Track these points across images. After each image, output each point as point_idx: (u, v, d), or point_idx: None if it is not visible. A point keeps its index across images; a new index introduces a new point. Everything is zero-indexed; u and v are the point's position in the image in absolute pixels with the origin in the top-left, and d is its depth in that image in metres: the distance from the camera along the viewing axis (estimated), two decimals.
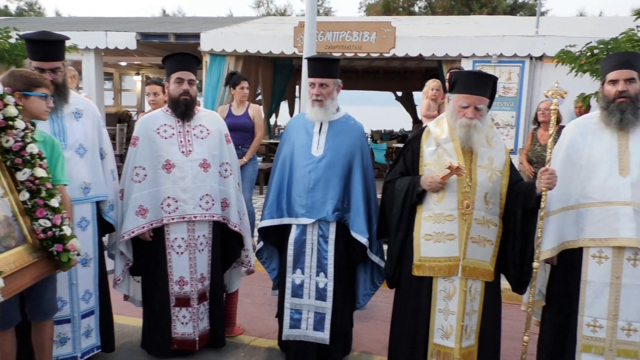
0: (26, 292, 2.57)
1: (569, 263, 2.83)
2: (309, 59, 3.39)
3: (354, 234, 3.19)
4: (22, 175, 2.49)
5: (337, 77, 3.31)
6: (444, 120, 2.87)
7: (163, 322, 3.34)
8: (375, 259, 3.25)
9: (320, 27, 8.93)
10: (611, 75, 2.76)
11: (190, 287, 3.35)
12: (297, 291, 3.28)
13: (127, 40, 9.72)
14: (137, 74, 15.15)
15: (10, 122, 2.45)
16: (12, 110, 2.45)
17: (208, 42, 9.38)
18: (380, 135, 15.62)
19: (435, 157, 2.83)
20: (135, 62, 13.44)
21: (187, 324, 3.36)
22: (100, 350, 3.26)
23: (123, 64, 13.51)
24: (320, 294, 3.25)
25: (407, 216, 2.88)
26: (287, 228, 3.31)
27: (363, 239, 3.17)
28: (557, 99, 2.83)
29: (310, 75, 3.30)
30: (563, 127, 4.94)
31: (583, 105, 6.29)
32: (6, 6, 28.30)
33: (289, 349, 3.36)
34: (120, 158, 3.61)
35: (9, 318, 2.61)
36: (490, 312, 2.85)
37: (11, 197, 2.47)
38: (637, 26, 6.25)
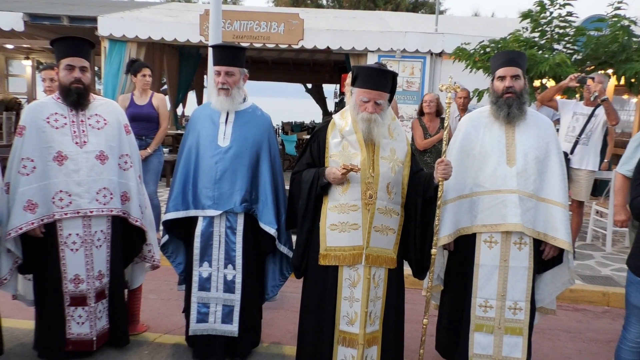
0: None
1: (464, 248, 3.03)
2: (214, 47, 3.32)
3: (262, 225, 3.18)
4: None
5: (243, 66, 3.26)
6: (348, 112, 2.93)
7: (56, 322, 3.13)
8: (284, 249, 3.27)
9: (228, 16, 8.75)
10: (499, 72, 2.98)
11: (86, 285, 3.16)
12: (205, 284, 3.21)
13: (14, 21, 8.90)
14: (27, 58, 13.93)
15: None
16: None
17: (107, 27, 8.84)
18: (291, 127, 15.69)
19: (340, 149, 2.88)
20: (24, 46, 12.34)
21: (83, 323, 3.17)
22: None
23: (9, 46, 12.35)
24: (229, 287, 3.21)
25: (312, 207, 2.91)
26: (193, 221, 3.23)
27: (271, 230, 3.17)
28: (450, 93, 3.00)
29: (215, 64, 3.23)
30: (443, 118, 5.23)
31: (478, 100, 6.73)
32: None
33: (196, 344, 3.29)
34: (8, 148, 3.33)
35: None
36: (394, 298, 2.96)
37: None
38: (523, 27, 6.80)
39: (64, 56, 3.11)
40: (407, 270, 3.03)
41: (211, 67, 5.55)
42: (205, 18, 8.26)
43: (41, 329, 3.20)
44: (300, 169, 3.00)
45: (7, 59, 14.53)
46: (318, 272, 2.90)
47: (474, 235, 2.98)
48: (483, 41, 6.79)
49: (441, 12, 19.25)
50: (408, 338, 3.20)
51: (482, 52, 6.71)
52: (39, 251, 3.11)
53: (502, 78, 2.96)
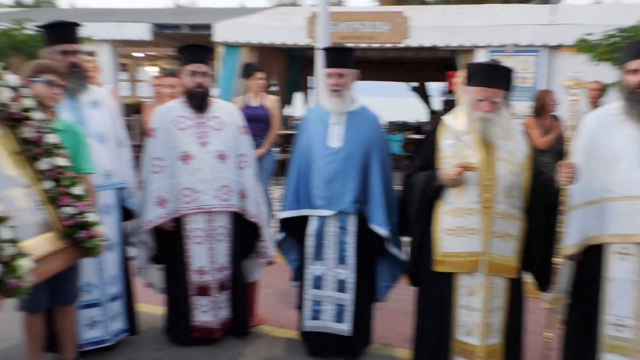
0: (51, 278, 2.62)
1: (592, 259, 2.76)
2: (326, 50, 3.39)
3: (373, 226, 3.19)
4: (43, 164, 2.53)
5: (353, 67, 3.30)
6: (462, 112, 2.85)
7: (183, 310, 3.38)
8: (394, 251, 3.25)
9: (334, 17, 8.84)
10: (632, 65, 2.70)
11: (209, 276, 3.38)
12: (317, 283, 3.29)
13: (143, 31, 9.75)
14: (152, 65, 15.19)
15: (27, 114, 2.49)
16: (28, 102, 2.49)
17: (222, 33, 9.37)
18: (396, 127, 15.53)
19: (455, 150, 2.80)
20: (151, 54, 13.48)
21: (207, 312, 3.40)
22: (126, 334, 3.33)
23: (139, 55, 13.56)
24: (341, 286, 3.26)
25: (426, 211, 2.86)
26: (306, 219, 3.32)
27: (382, 231, 3.17)
28: (577, 90, 2.79)
29: (327, 66, 3.30)
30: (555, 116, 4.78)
31: (602, 95, 6.18)
32: None
33: (309, 339, 3.38)
34: (138, 148, 3.68)
35: (37, 303, 2.68)
36: (515, 309, 2.82)
37: (36, 186, 2.52)
38: None
39: (187, 62, 3.35)
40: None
41: (319, 69, 5.71)
42: (312, 21, 8.45)
43: (170, 315, 3.49)
44: (412, 172, 2.97)
45: (135, 66, 15.92)
46: (433, 279, 2.84)
47: (603, 246, 2.74)
48: (609, 31, 6.23)
49: (557, 1, 18.01)
50: (528, 350, 3.03)
51: (608, 42, 6.17)
52: (169, 244, 3.39)
53: (635, 71, 2.69)
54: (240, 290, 3.57)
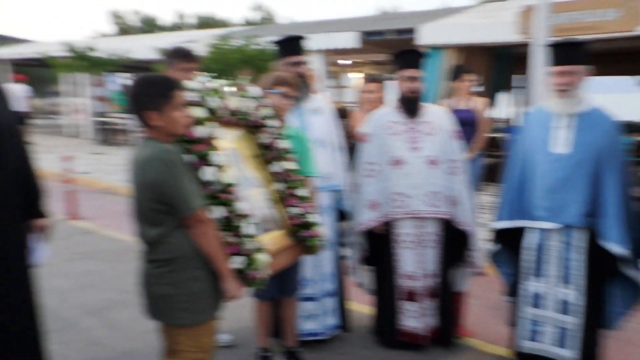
0: (280, 272, 2.90)
1: None
2: (553, 46, 3.09)
3: (605, 244, 2.82)
4: (275, 167, 2.80)
5: (584, 63, 2.95)
6: None
7: (391, 313, 3.44)
8: (632, 273, 2.82)
9: (553, 9, 8.12)
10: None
11: (418, 282, 3.38)
12: (536, 301, 3.03)
13: (351, 39, 10.26)
14: (357, 71, 15.93)
15: (265, 121, 2.77)
16: (266, 111, 2.78)
17: (426, 36, 9.33)
18: (620, 128, 13.52)
19: None
20: (357, 60, 14.15)
21: (414, 317, 3.40)
22: (339, 330, 3.53)
23: (345, 62, 14.32)
24: (564, 307, 2.96)
25: None
26: (522, 230, 3.08)
27: (619, 250, 2.77)
28: None
29: (554, 63, 3.01)
30: None
31: None
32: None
33: None
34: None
35: (268, 292, 2.98)
36: None
37: (268, 187, 2.81)
38: None
39: (402, 68, 3.38)
40: None
41: (533, 66, 5.27)
42: (526, 15, 7.87)
43: (378, 317, 3.58)
44: None
45: (341, 73, 16.90)
46: None
47: None
48: None
49: None
50: None
51: None
52: (379, 246, 3.47)
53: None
54: (448, 299, 3.49)
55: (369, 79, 5.88)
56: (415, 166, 3.32)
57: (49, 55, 12.80)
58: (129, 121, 13.87)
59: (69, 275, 4.54)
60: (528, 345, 3.06)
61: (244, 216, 2.29)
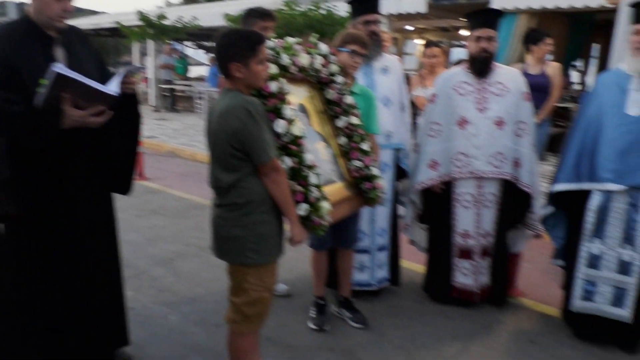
0: (337, 223, 3.04)
1: None
2: (635, 4, 2.96)
3: None
4: (341, 122, 2.90)
5: None
6: None
7: (444, 269, 3.51)
8: None
9: None
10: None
11: (473, 241, 3.42)
12: (595, 262, 3.01)
13: (419, 4, 10.01)
14: (420, 37, 15.57)
15: (333, 77, 2.86)
16: (334, 68, 2.87)
17: (500, 0, 8.97)
18: None
19: None
20: (420, 26, 13.81)
21: (467, 275, 3.46)
22: (389, 283, 3.65)
23: (409, 28, 14.03)
24: (624, 268, 2.93)
25: None
26: (581, 194, 3.05)
27: None
28: None
29: (635, 22, 2.91)
30: None
31: None
32: None
33: (577, 321, 3.15)
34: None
35: (324, 242, 3.13)
36: None
37: (333, 141, 2.92)
38: None
39: (474, 28, 3.34)
40: None
41: (619, 30, 5.01)
42: None
43: (431, 274, 3.67)
44: None
45: (404, 39, 16.56)
46: None
47: None
48: None
49: None
50: None
51: None
52: (436, 205, 3.53)
53: None
54: (502, 259, 3.51)
55: (432, 43, 5.83)
56: (481, 127, 3.31)
57: (122, 24, 13.30)
58: (191, 88, 14.33)
59: (140, 229, 4.91)
60: (580, 304, 3.06)
61: (310, 167, 2.42)
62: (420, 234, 3.81)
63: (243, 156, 2.17)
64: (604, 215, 2.96)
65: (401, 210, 3.75)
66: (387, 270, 3.63)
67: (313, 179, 2.42)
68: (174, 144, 9.39)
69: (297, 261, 4.13)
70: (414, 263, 4.15)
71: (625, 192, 2.89)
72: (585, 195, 3.03)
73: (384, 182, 3.12)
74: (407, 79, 5.41)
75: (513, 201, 3.44)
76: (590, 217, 3.00)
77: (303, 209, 2.37)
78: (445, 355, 2.94)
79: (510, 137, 3.33)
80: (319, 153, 2.76)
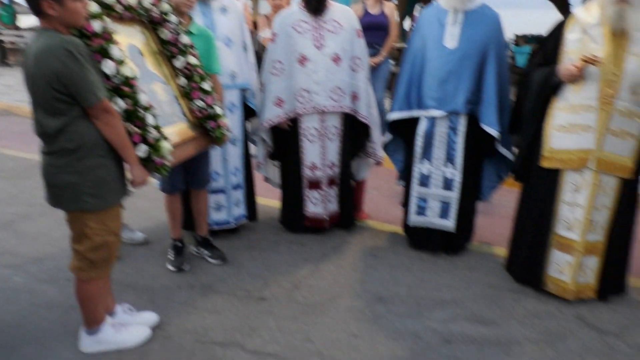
0: (186, 164, 3.04)
1: None
2: None
3: (484, 126, 3.18)
4: (178, 62, 2.85)
5: None
6: (595, 3, 2.65)
7: (297, 201, 3.72)
8: (503, 151, 3.23)
9: None
10: None
11: (320, 172, 3.64)
12: (424, 181, 3.40)
13: None
14: None
15: (166, 17, 2.78)
16: (165, 7, 2.78)
17: None
18: (526, 39, 14.29)
19: (579, 45, 2.64)
20: None
21: (317, 204, 3.70)
22: (247, 219, 3.77)
23: None
24: (447, 184, 3.35)
25: (541, 108, 2.79)
26: (414, 121, 3.39)
27: (493, 132, 3.14)
28: None
29: None
30: None
31: None
32: None
33: (413, 234, 3.57)
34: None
35: (175, 184, 3.13)
36: (624, 210, 2.73)
37: (172, 82, 2.87)
38: None
39: None
40: None
41: None
42: None
43: (285, 206, 3.86)
44: (530, 70, 2.87)
45: None
46: (539, 175, 2.82)
47: None
48: None
49: None
50: (637, 258, 2.95)
51: None
52: (285, 141, 3.68)
53: None
54: (348, 186, 3.81)
55: None
56: (320, 63, 3.47)
57: None
58: (23, 40, 12.75)
59: None
60: (415, 219, 3.47)
61: (146, 108, 2.37)
62: (274, 170, 3.96)
63: (68, 99, 2.06)
64: (430, 139, 3.33)
65: (253, 149, 3.85)
66: (244, 207, 3.74)
67: (150, 119, 2.38)
68: (8, 101, 8.45)
69: (154, 209, 4.08)
70: (270, 199, 4.32)
71: (446, 117, 3.26)
72: (416, 122, 3.37)
73: (229, 121, 3.16)
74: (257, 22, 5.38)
75: (354, 133, 3.70)
76: (419, 141, 3.36)
77: (142, 150, 2.33)
78: (299, 277, 3.17)
79: (347, 72, 3.53)
80: (157, 94, 2.70)
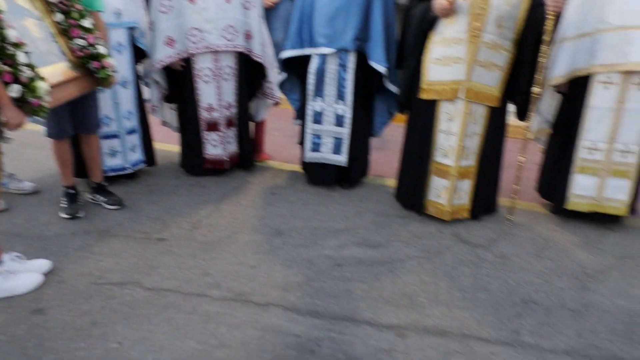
0: (73, 108, 2.92)
1: (577, 90, 2.91)
2: None
3: (371, 63, 3.29)
4: None
5: None
6: None
7: (196, 144, 3.70)
8: (391, 87, 3.38)
9: None
10: None
11: (217, 113, 3.64)
12: (317, 118, 3.51)
13: None
14: None
15: None
16: None
17: None
18: None
19: None
20: None
21: (216, 146, 3.71)
22: (144, 164, 3.71)
23: None
24: (339, 121, 3.48)
25: (420, 42, 2.95)
26: (308, 59, 3.44)
27: (381, 68, 3.27)
28: None
29: None
30: None
31: None
32: None
33: (310, 170, 3.70)
34: None
35: (62, 129, 2.99)
36: (493, 136, 3.01)
37: (47, 18, 2.69)
38: None
39: None
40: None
41: None
42: None
43: (184, 150, 3.83)
44: (412, 5, 3.00)
45: None
46: (419, 107, 3.02)
47: (589, 77, 2.83)
48: None
49: None
50: (506, 181, 3.28)
51: None
52: (180, 83, 3.61)
53: None
54: (246, 127, 3.84)
55: None
56: (210, 1, 3.39)
57: None
58: None
59: None
60: (311, 155, 3.59)
61: (17, 45, 2.23)
62: (171, 114, 3.89)
63: None
64: (321, 77, 3.41)
65: (147, 92, 3.74)
66: (141, 152, 3.66)
67: (22, 57, 2.25)
68: None
69: (44, 158, 3.89)
70: (169, 144, 4.25)
71: (336, 54, 3.34)
72: (309, 60, 3.42)
73: (117, 62, 3.04)
74: None
75: (250, 73, 3.70)
76: (311, 79, 3.44)
77: (15, 90, 2.22)
78: (199, 217, 3.21)
79: (239, 10, 3.49)
80: (30, 31, 2.53)
